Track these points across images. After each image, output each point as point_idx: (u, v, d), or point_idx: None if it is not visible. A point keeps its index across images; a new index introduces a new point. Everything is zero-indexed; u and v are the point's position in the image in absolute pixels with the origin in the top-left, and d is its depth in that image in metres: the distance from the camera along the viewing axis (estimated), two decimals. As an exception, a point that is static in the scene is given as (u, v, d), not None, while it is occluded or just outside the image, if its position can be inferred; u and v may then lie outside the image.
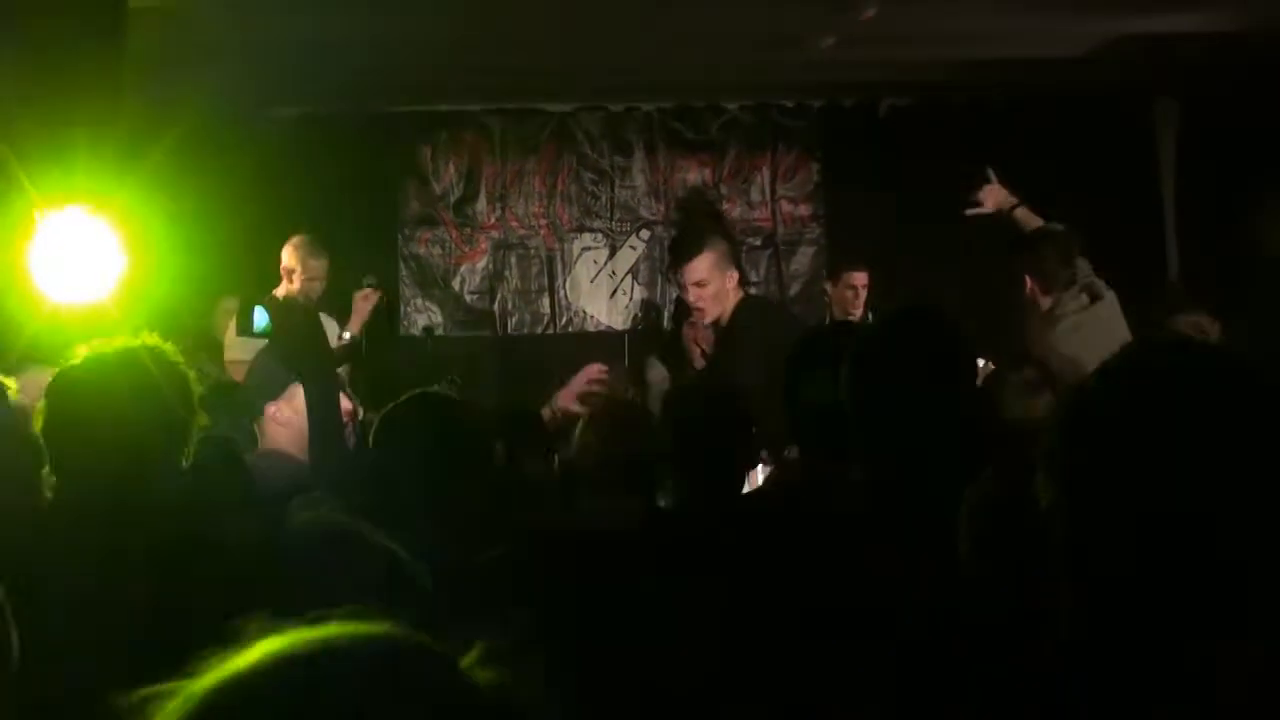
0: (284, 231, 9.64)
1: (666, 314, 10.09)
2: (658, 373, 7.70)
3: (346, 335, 7.70)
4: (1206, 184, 10.13)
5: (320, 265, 7.74)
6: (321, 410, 3.76)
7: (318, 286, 7.73)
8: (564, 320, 10.21)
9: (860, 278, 8.41)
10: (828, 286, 8.30)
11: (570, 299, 10.23)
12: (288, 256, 7.92)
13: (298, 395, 4.31)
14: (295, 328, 3.90)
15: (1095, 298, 7.23)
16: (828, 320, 8.76)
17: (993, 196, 7.81)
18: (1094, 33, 8.12)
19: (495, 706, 1.13)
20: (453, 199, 10.12)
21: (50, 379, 3.31)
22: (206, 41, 7.42)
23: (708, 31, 7.83)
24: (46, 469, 3.24)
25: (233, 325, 7.65)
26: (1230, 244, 9.64)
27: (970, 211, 7.82)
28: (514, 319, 10.23)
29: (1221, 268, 9.72)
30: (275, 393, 4.50)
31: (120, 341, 3.36)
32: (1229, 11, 7.62)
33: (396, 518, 3.06)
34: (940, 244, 10.05)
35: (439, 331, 9.74)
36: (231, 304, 8.71)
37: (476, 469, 3.62)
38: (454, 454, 3.54)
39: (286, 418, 4.58)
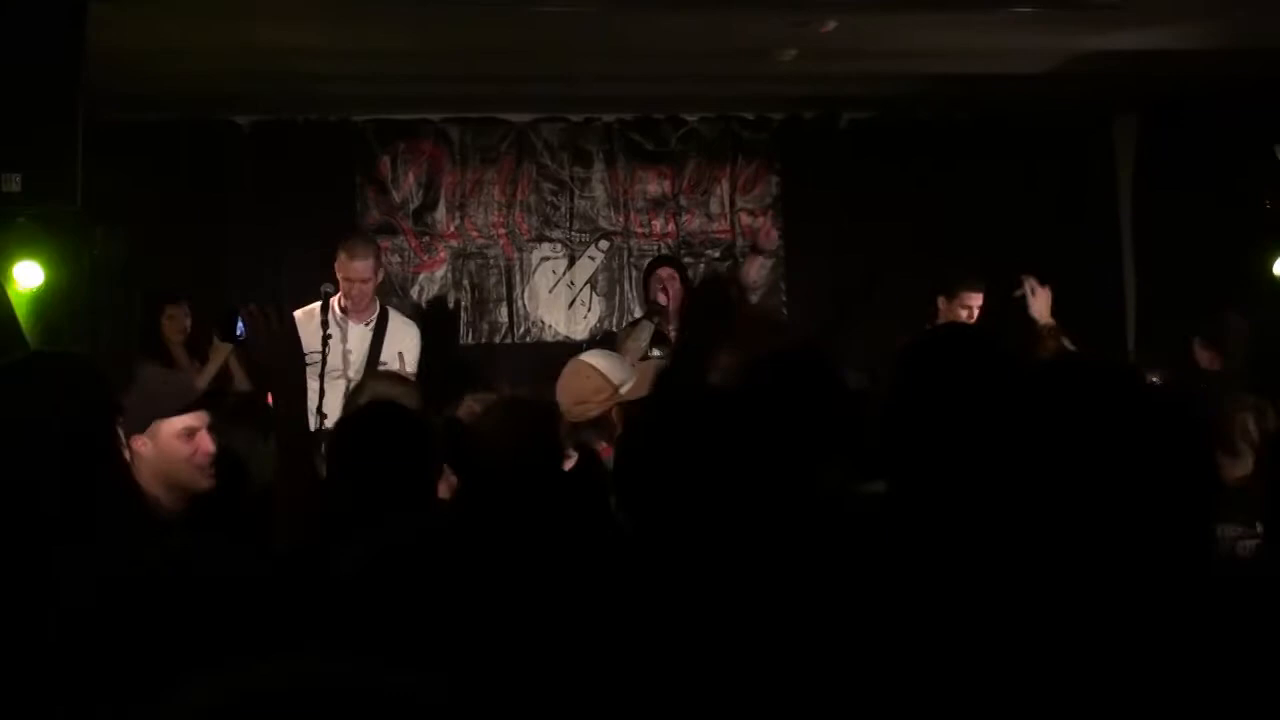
0: (240, 238, 9.65)
1: (625, 324, 10.09)
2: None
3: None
4: (1163, 199, 10.21)
5: (360, 266, 7.51)
6: (287, 424, 3.73)
7: (358, 288, 7.54)
8: (522, 330, 10.20)
9: (977, 299, 8.22)
10: (940, 302, 8.13)
11: (529, 308, 10.22)
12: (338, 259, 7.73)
13: (160, 431, 4.20)
14: (270, 337, 3.84)
15: None
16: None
17: (1041, 303, 7.84)
18: (1054, 50, 8.17)
19: None
20: (412, 208, 10.11)
21: None
22: (167, 46, 7.38)
23: (668, 43, 7.83)
24: None
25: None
26: (1187, 258, 9.71)
27: (1016, 294, 7.86)
28: (472, 328, 10.22)
29: (1177, 282, 9.80)
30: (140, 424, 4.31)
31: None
32: (1187, 30, 7.67)
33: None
34: (897, 256, 10.11)
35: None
36: (176, 310, 8.65)
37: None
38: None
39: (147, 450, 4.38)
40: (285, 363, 3.76)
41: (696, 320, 7.84)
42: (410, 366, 7.57)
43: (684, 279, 8.51)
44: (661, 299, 8.16)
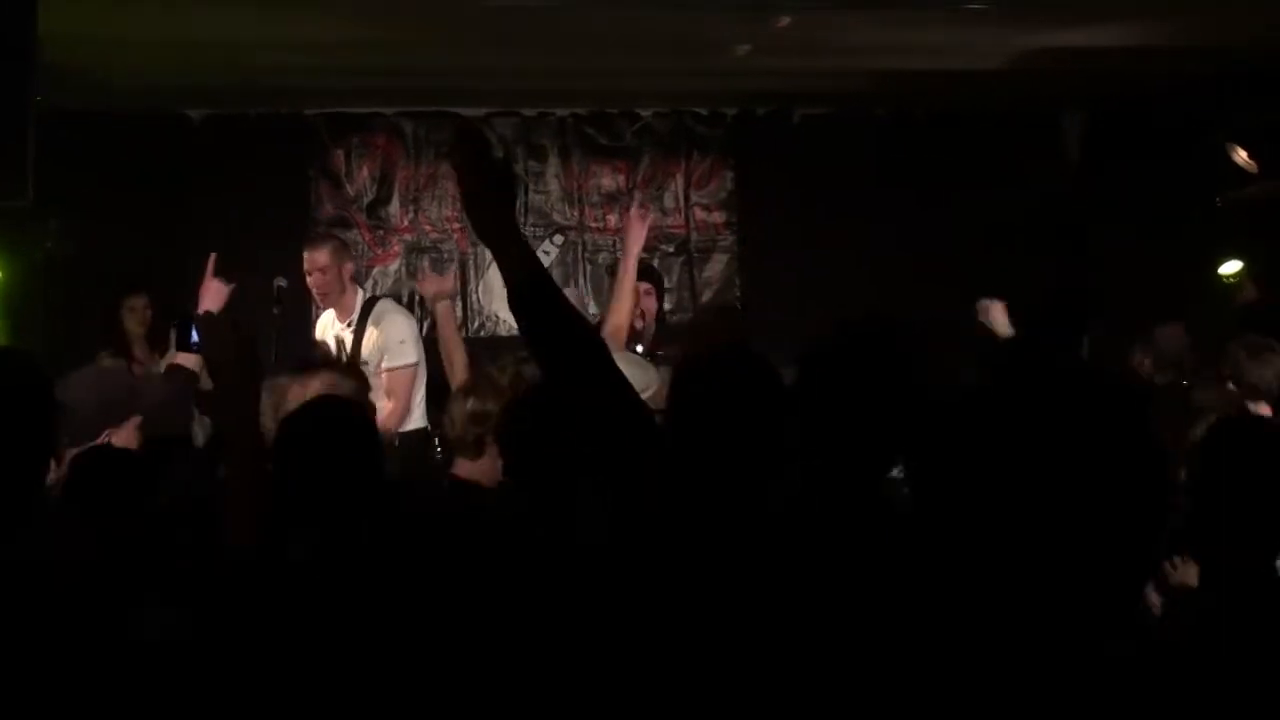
0: (194, 232, 9.60)
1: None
2: None
3: None
4: (1111, 194, 10.27)
5: (313, 257, 7.37)
6: (237, 436, 3.72)
7: (315, 278, 7.33)
8: (476, 324, 10.18)
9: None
10: None
11: (483, 303, 10.21)
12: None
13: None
14: (223, 345, 3.83)
15: None
16: None
17: (999, 318, 7.79)
18: (1004, 46, 8.21)
19: None
20: (366, 201, 10.09)
21: None
22: (118, 38, 7.34)
23: (623, 38, 7.84)
24: None
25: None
26: (1136, 254, 9.77)
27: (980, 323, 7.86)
28: (426, 322, 10.19)
29: (1127, 279, 9.86)
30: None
31: None
32: (1136, 27, 7.73)
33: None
34: (852, 252, 10.15)
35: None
36: (137, 301, 8.64)
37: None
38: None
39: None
40: (235, 370, 3.74)
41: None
42: (396, 359, 7.27)
43: (660, 294, 8.21)
44: (638, 323, 7.75)
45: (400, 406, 7.07)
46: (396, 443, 6.87)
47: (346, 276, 7.49)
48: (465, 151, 3.03)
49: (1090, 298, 8.92)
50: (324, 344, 7.51)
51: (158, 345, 8.27)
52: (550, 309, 2.95)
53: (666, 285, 9.98)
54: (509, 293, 2.98)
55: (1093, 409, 1.84)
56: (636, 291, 7.32)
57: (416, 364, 7.27)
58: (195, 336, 4.10)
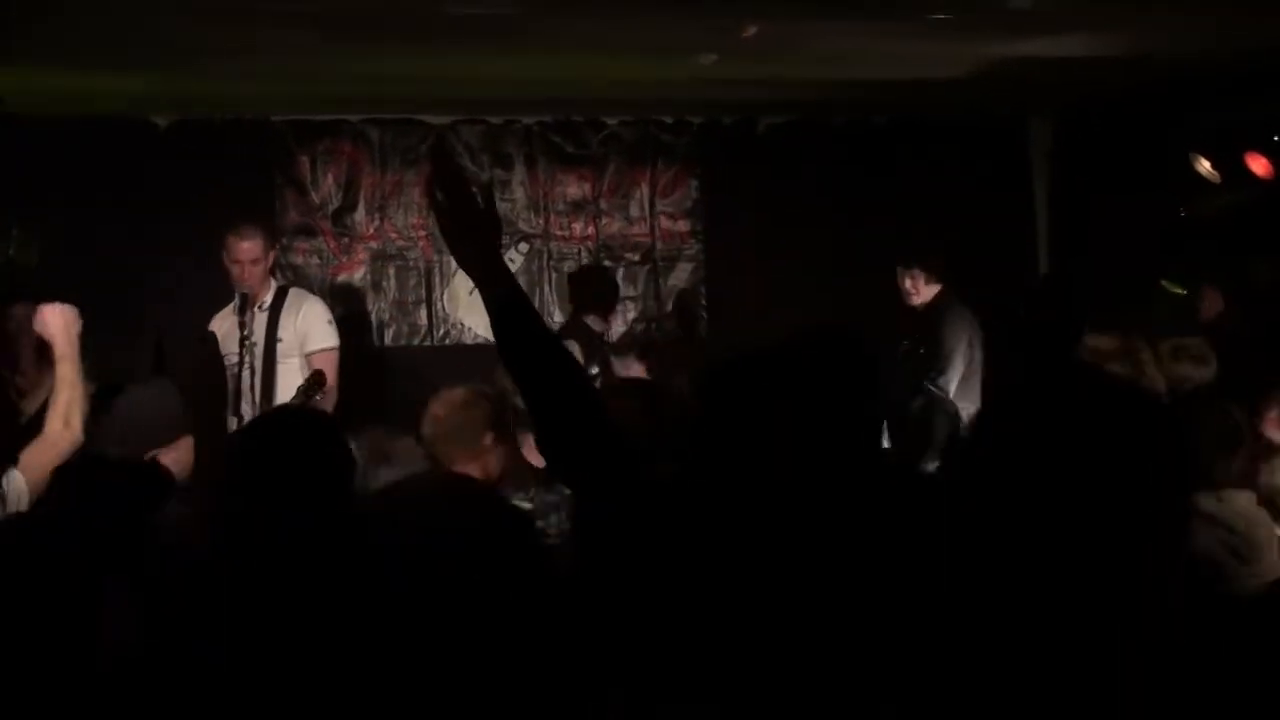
0: (158, 238, 9.55)
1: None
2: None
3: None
4: (1078, 203, 10.32)
5: (249, 247, 7.44)
6: (206, 443, 3.73)
7: (249, 271, 7.44)
8: (441, 332, 10.17)
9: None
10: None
11: (448, 311, 10.19)
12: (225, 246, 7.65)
13: None
14: (191, 363, 3.87)
15: None
16: None
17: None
18: (972, 55, 8.23)
19: None
20: (331, 209, 10.06)
21: None
22: (85, 43, 7.31)
23: (589, 46, 7.83)
24: None
25: None
26: (1102, 264, 9.82)
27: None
28: (391, 330, 10.18)
29: (1092, 288, 9.90)
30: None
31: None
32: (1101, 37, 7.77)
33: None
34: (817, 261, 10.18)
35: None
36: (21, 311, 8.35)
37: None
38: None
39: None
40: (209, 393, 3.79)
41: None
42: (320, 341, 7.48)
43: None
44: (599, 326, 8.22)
45: (332, 388, 7.08)
46: None
47: (270, 264, 7.73)
48: (443, 183, 3.04)
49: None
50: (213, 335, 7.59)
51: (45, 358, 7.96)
52: (532, 338, 2.96)
53: (632, 294, 10.01)
54: (491, 321, 2.99)
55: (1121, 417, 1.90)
56: None
57: (339, 347, 7.52)
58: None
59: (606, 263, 10.29)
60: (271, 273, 7.85)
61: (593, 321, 8.71)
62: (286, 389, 7.14)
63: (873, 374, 3.02)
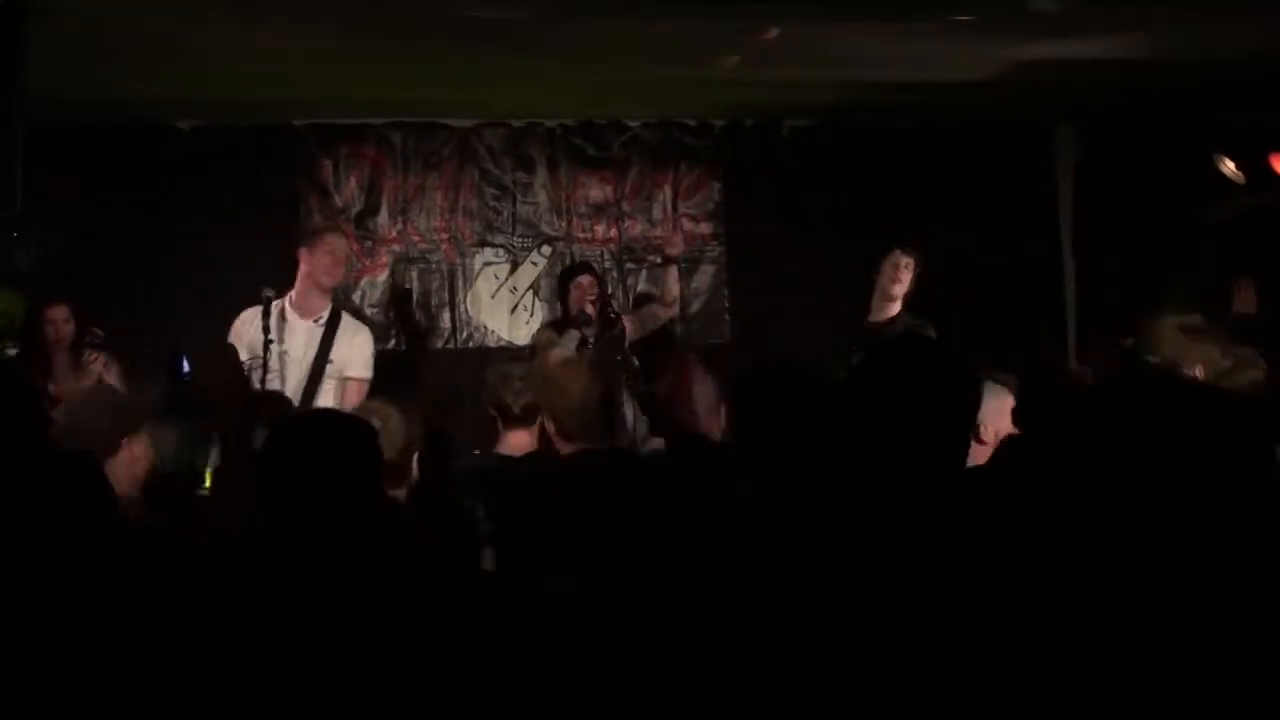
0: (182, 243, 9.57)
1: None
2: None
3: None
4: (1103, 208, 10.29)
5: (339, 243, 7.77)
6: (234, 458, 3.73)
7: (337, 271, 7.80)
8: (465, 335, 10.17)
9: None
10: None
11: (471, 314, 10.20)
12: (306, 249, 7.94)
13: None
14: (216, 374, 3.87)
15: None
16: None
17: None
18: (996, 58, 8.21)
19: None
20: (354, 212, 10.06)
21: None
22: (107, 50, 7.33)
23: (611, 48, 7.83)
24: None
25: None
26: (1126, 267, 9.79)
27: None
28: (416, 333, 10.19)
29: (1118, 291, 9.87)
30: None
31: None
32: (1125, 38, 7.74)
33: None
34: (840, 263, 10.16)
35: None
36: (56, 313, 8.30)
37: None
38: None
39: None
40: (233, 400, 3.80)
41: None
42: (361, 371, 7.65)
43: (601, 286, 8.68)
44: (589, 308, 8.24)
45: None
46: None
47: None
48: None
49: None
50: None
51: (79, 360, 7.98)
52: None
53: (654, 296, 9.98)
54: None
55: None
56: (582, 285, 8.41)
57: (370, 381, 7.73)
58: (186, 367, 4.11)
59: (629, 265, 10.30)
60: None
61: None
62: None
63: (973, 391, 2.95)
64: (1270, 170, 8.55)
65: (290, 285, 7.83)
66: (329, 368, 7.65)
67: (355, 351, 7.77)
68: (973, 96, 9.18)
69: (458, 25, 7.10)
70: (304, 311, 7.73)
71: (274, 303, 7.49)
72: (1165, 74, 8.44)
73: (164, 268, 9.49)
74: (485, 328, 10.20)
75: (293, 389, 7.42)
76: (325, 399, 7.51)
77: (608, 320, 8.26)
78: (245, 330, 7.72)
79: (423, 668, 3.03)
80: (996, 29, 7.43)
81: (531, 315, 10.21)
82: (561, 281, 8.95)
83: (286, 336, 7.57)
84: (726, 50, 7.90)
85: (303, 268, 7.83)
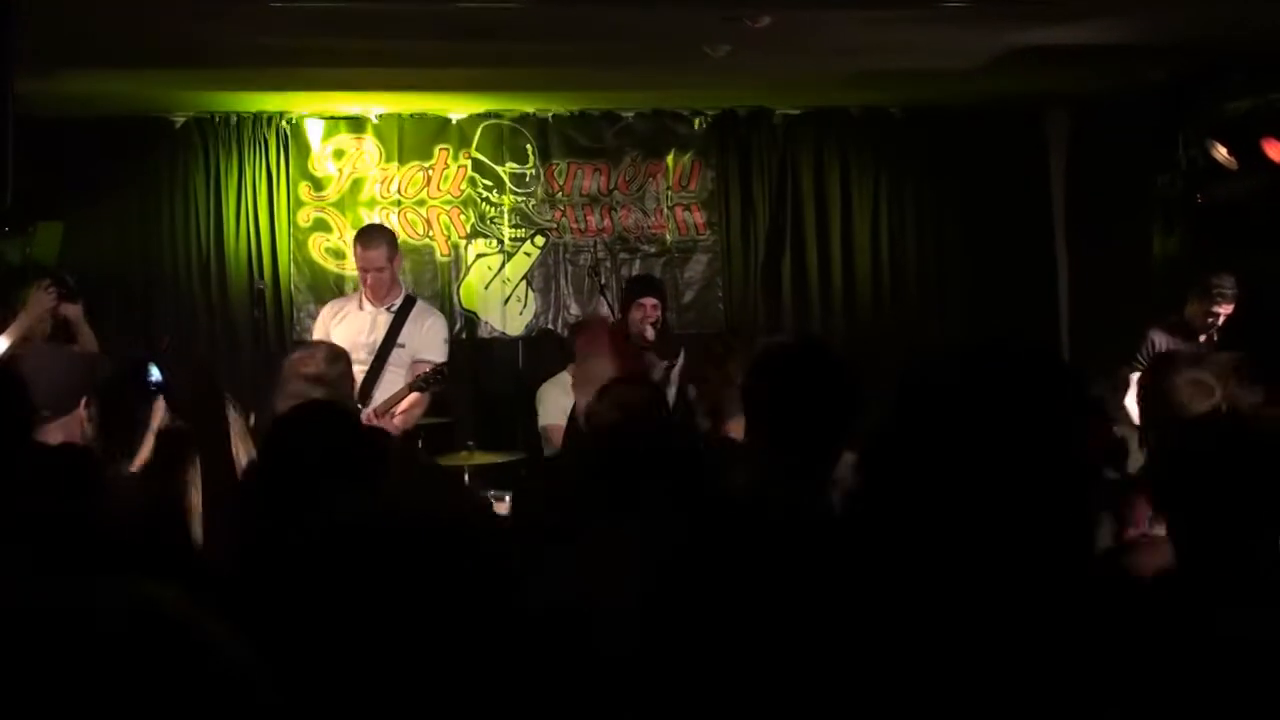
0: (176, 234, 9.58)
1: (562, 320, 10.10)
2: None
3: None
4: (1095, 194, 10.30)
5: (373, 254, 7.59)
6: (211, 470, 3.71)
7: (373, 276, 7.63)
8: (458, 326, 10.16)
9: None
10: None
11: (464, 304, 10.19)
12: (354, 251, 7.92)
13: None
14: (187, 383, 3.84)
15: None
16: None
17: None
18: (986, 45, 8.21)
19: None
20: (346, 203, 10.05)
21: None
22: (103, 43, 7.32)
23: (604, 37, 7.83)
24: None
25: None
26: (1119, 251, 9.80)
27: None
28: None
29: (1110, 275, 9.89)
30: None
31: None
32: (1118, 23, 7.74)
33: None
34: (833, 251, 10.17)
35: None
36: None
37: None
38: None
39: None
40: (203, 411, 3.76)
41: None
42: (432, 355, 7.58)
43: (664, 309, 8.32)
44: (649, 332, 7.97)
45: (425, 398, 7.37)
46: (421, 432, 7.54)
47: (397, 269, 7.86)
48: None
49: None
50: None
51: (56, 337, 7.95)
52: None
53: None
54: None
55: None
56: (645, 306, 8.02)
57: (445, 364, 7.57)
58: (156, 376, 4.07)
59: (623, 255, 10.29)
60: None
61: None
62: (385, 391, 7.37)
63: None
64: (1263, 155, 8.55)
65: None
66: (396, 353, 7.62)
67: (430, 337, 7.68)
68: (965, 82, 9.17)
69: (451, 16, 7.09)
70: (376, 299, 7.73)
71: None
72: (1157, 58, 8.44)
73: (159, 259, 9.50)
74: (478, 318, 10.19)
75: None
76: (389, 385, 7.44)
77: (665, 341, 8.06)
78: (331, 321, 7.76)
79: (426, 663, 3.02)
80: (988, 14, 7.43)
81: (525, 306, 10.21)
82: (626, 295, 8.49)
83: (373, 321, 7.63)
84: (718, 38, 7.88)
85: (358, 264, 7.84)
